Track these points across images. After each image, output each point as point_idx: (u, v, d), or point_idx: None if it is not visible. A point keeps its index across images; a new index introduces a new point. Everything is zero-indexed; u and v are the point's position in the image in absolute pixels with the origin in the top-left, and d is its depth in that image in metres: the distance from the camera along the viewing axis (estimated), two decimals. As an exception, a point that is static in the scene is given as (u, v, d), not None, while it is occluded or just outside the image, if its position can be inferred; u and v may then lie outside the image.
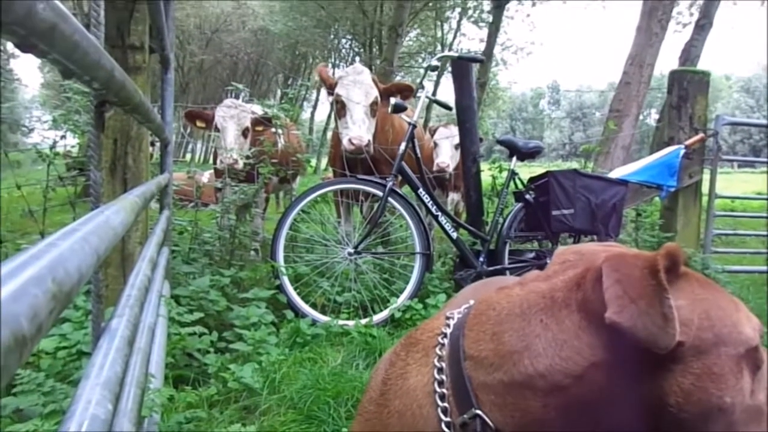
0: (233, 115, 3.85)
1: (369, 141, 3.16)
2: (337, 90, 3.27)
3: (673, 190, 3.59)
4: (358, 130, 3.13)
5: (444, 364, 0.68)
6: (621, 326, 0.55)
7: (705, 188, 4.06)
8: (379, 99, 3.30)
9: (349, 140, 3.12)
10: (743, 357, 0.58)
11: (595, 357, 0.58)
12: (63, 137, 2.60)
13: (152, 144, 3.60)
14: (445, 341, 0.70)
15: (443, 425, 0.64)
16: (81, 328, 1.82)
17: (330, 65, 20.71)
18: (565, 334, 0.60)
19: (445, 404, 0.65)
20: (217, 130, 3.89)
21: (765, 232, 4.63)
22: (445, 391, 0.66)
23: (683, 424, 0.57)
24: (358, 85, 3.24)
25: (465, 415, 0.63)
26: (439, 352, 0.69)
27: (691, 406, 0.57)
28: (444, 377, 0.67)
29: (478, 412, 0.62)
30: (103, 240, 0.60)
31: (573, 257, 0.67)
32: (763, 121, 5.24)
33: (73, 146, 4.11)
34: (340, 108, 3.28)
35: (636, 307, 0.54)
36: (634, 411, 0.58)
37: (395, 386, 0.72)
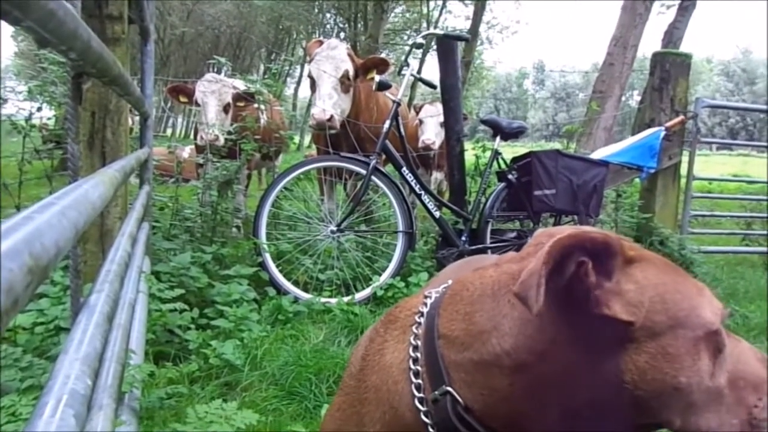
0: (214, 90, 3.78)
1: (333, 116, 3.11)
2: (310, 66, 3.24)
3: (653, 171, 3.64)
4: (322, 104, 3.11)
5: (419, 342, 0.69)
6: (517, 297, 0.58)
7: (683, 170, 4.13)
8: (351, 73, 3.26)
9: (312, 115, 3.11)
10: (702, 339, 0.59)
11: (556, 334, 0.60)
12: (39, 109, 2.54)
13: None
14: (422, 320, 0.72)
15: (416, 401, 0.66)
16: (59, 304, 1.80)
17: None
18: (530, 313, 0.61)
19: (419, 381, 0.67)
20: (198, 105, 3.83)
21: (740, 214, 4.74)
22: (419, 368, 0.68)
23: (641, 402, 0.59)
24: (329, 60, 3.22)
25: (436, 392, 0.65)
26: (415, 331, 0.71)
27: (645, 384, 0.59)
28: (419, 355, 0.68)
29: (449, 389, 0.64)
30: (82, 214, 0.59)
31: (546, 240, 0.69)
32: (742, 104, 5.31)
33: (49, 118, 4.02)
34: (311, 84, 3.26)
35: (529, 280, 0.57)
36: (597, 389, 0.60)
37: (373, 362, 0.74)
